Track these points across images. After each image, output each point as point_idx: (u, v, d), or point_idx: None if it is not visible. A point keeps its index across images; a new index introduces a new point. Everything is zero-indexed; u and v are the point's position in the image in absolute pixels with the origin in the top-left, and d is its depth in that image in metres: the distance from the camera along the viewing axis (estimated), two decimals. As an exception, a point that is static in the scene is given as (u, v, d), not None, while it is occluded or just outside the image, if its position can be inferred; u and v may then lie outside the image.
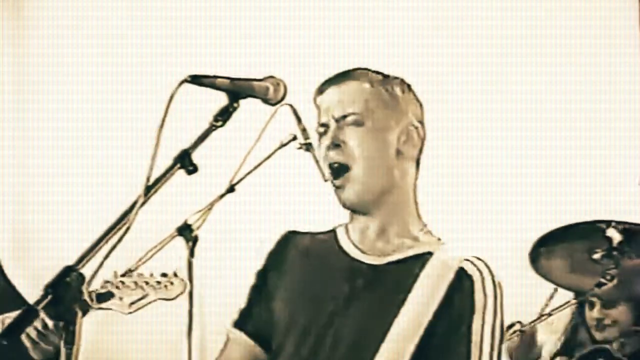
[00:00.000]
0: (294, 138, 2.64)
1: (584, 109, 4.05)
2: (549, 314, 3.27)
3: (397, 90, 2.14)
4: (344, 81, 2.11)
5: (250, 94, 1.90)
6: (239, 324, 2.19)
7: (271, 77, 1.94)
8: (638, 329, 3.17)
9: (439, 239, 2.16)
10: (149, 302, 2.51)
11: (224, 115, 1.86)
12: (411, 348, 2.00)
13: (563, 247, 3.20)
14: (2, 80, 4.41)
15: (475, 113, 4.08)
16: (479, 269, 2.07)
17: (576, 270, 3.22)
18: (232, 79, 1.88)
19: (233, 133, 1.93)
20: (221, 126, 1.85)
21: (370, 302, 2.06)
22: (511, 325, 3.14)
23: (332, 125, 2.09)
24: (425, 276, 2.05)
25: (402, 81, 2.17)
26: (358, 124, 2.08)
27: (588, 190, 3.91)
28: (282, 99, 1.95)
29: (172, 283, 2.49)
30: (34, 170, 4.29)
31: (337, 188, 2.09)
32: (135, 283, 2.46)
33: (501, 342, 2.06)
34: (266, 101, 1.93)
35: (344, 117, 2.08)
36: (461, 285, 2.05)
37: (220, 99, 1.87)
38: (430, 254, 2.09)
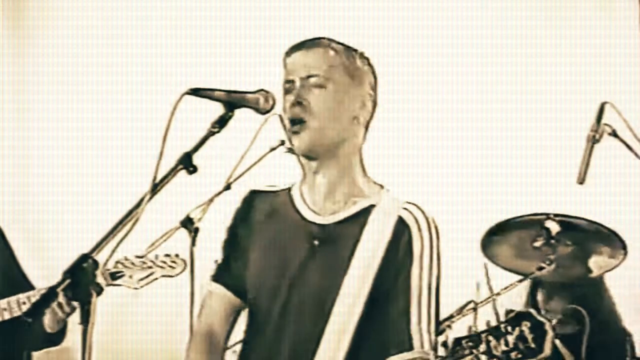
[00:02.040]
0: (282, 143, 2.61)
1: (533, 111, 3.97)
2: (498, 294, 3.22)
3: (358, 61, 2.05)
4: (312, 47, 2.03)
5: (244, 104, 1.87)
6: (217, 278, 2.11)
7: (262, 90, 1.91)
8: (577, 307, 3.11)
9: (382, 186, 2.07)
10: (155, 279, 2.48)
11: (220, 122, 1.83)
12: (362, 299, 1.93)
13: (509, 236, 3.16)
14: (3, 80, 4.22)
15: (431, 113, 3.99)
16: (414, 217, 1.98)
17: (520, 256, 3.20)
18: (227, 92, 1.86)
19: (229, 138, 1.89)
20: (218, 132, 1.82)
21: (325, 259, 1.97)
22: (466, 304, 3.07)
23: (297, 84, 2.00)
24: (368, 230, 1.97)
25: (362, 54, 2.08)
26: (320, 86, 1.99)
27: (531, 188, 3.87)
28: (272, 109, 1.92)
29: (174, 262, 2.46)
30: (44, 170, 4.15)
31: (294, 133, 1.98)
32: (143, 263, 2.43)
33: (438, 282, 1.97)
34: (257, 110, 1.90)
35: (308, 77, 1.99)
36: (400, 235, 1.96)
37: (217, 109, 1.84)
38: (373, 206, 2.01)
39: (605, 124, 2.79)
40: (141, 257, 2.48)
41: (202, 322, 2.09)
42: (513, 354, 1.66)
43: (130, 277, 2.46)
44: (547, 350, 1.65)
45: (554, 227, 3.11)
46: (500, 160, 3.93)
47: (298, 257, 1.98)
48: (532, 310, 1.66)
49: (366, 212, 2.00)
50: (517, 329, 1.65)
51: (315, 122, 1.96)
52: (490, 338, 1.66)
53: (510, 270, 3.24)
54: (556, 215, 3.10)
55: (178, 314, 3.06)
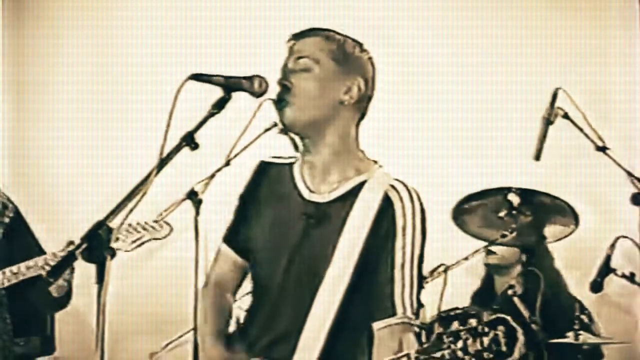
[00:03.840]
0: (275, 125, 2.59)
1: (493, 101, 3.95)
2: (466, 258, 3.23)
3: (352, 50, 1.98)
4: (311, 36, 1.98)
5: (240, 88, 1.84)
6: (227, 240, 2.08)
7: (256, 75, 1.87)
8: (533, 269, 3.12)
9: (375, 162, 2.01)
10: (145, 242, 2.45)
11: (219, 104, 1.80)
12: (350, 270, 1.89)
13: (476, 207, 3.16)
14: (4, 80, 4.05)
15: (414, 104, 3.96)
16: (399, 193, 1.93)
17: (486, 225, 3.19)
18: (225, 77, 1.83)
19: (227, 119, 1.85)
20: (217, 113, 1.80)
21: (319, 235, 1.93)
22: (437, 267, 3.07)
23: (289, 66, 1.96)
24: (357, 206, 1.92)
25: (360, 45, 2.00)
26: (307, 69, 1.94)
27: (494, 164, 3.85)
28: (265, 92, 1.88)
29: (161, 226, 2.44)
30: (61, 151, 4.06)
31: (278, 109, 1.94)
32: (134, 228, 2.41)
33: (421, 253, 1.93)
34: (252, 94, 1.87)
35: (298, 60, 1.96)
36: (385, 210, 1.91)
37: (217, 92, 1.81)
38: (365, 182, 1.95)
39: (559, 107, 2.79)
40: (132, 224, 2.46)
41: (213, 274, 2.08)
42: (485, 354, 1.66)
43: (124, 241, 2.44)
44: (516, 354, 1.67)
45: (515, 199, 3.11)
46: (468, 140, 3.91)
47: (296, 233, 1.94)
48: (508, 317, 1.69)
49: (357, 189, 1.95)
50: (492, 332, 1.67)
51: (296, 101, 1.92)
52: (468, 336, 1.67)
53: (477, 237, 3.24)
54: (517, 189, 3.10)
55: (184, 277, 3.02)
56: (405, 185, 1.94)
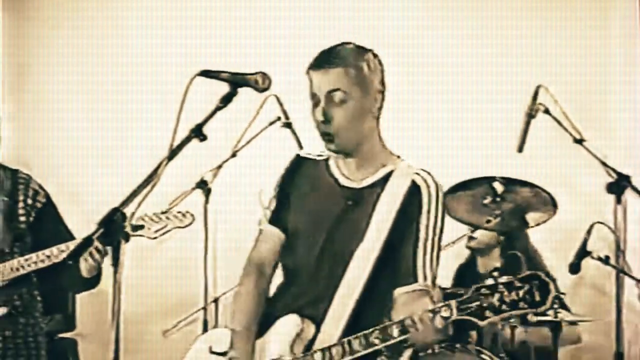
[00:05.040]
0: (278, 119, 2.58)
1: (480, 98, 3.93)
2: (453, 242, 3.20)
3: (367, 67, 2.02)
4: (332, 66, 1.99)
5: (245, 83, 1.83)
6: (272, 221, 2.11)
7: (260, 72, 1.86)
8: (515, 253, 3.11)
9: (398, 156, 2.11)
10: (169, 230, 2.45)
11: (226, 99, 1.80)
12: (379, 245, 1.98)
13: (464, 194, 3.13)
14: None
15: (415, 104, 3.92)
16: (424, 180, 2.03)
17: (472, 211, 3.17)
18: (232, 73, 1.82)
19: (233, 112, 1.84)
20: (224, 107, 1.79)
21: (354, 215, 2.03)
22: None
23: (322, 100, 2.00)
24: (387, 191, 2.03)
25: (372, 54, 2.05)
26: (342, 102, 1.99)
27: (480, 155, 3.83)
28: (268, 87, 1.87)
29: (184, 216, 2.43)
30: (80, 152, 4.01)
31: (326, 141, 2.02)
32: (159, 217, 2.40)
33: (441, 233, 2.01)
34: (256, 89, 1.85)
35: (331, 95, 1.99)
36: (413, 194, 2.02)
37: (223, 88, 1.80)
38: (392, 171, 2.06)
39: (540, 103, 2.78)
40: (156, 213, 2.45)
41: (255, 255, 2.10)
42: (521, 304, 1.74)
43: (149, 229, 2.44)
44: (548, 304, 1.73)
45: (499, 187, 3.09)
46: (458, 133, 3.89)
47: (334, 213, 2.02)
48: (541, 273, 1.75)
49: (386, 177, 2.04)
50: (527, 285, 1.73)
51: (341, 134, 1.99)
52: (504, 289, 1.73)
53: (464, 222, 3.24)
54: (501, 178, 3.09)
55: (194, 258, 3.00)
56: (430, 174, 2.04)
